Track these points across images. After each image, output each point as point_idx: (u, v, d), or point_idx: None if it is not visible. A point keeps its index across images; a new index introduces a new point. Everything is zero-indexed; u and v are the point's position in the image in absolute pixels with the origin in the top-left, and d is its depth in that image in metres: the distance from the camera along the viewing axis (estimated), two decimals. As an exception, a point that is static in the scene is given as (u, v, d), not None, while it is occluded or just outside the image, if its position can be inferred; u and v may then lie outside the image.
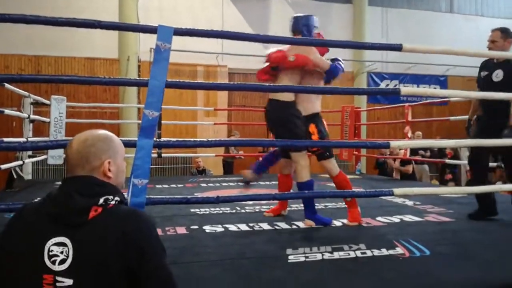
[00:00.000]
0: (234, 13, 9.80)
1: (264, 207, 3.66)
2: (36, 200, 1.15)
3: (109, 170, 1.17)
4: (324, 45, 2.64)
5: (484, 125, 3.26)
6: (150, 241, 1.10)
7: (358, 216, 3.08)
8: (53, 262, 1.03)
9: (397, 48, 2.41)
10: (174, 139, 2.91)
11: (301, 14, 3.21)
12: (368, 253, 2.36)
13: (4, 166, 4.31)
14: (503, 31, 3.19)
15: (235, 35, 2.27)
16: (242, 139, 2.19)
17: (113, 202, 1.12)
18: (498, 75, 3.16)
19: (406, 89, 2.47)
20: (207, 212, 3.50)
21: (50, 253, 1.04)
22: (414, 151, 7.16)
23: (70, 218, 1.07)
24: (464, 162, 7.42)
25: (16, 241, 1.08)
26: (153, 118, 1.97)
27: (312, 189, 3.11)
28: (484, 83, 3.25)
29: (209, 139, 2.45)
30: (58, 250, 1.04)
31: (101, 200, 1.10)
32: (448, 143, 3.05)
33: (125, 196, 2.03)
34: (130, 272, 1.05)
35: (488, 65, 3.33)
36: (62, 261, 1.03)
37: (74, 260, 1.03)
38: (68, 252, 1.04)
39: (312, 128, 3.15)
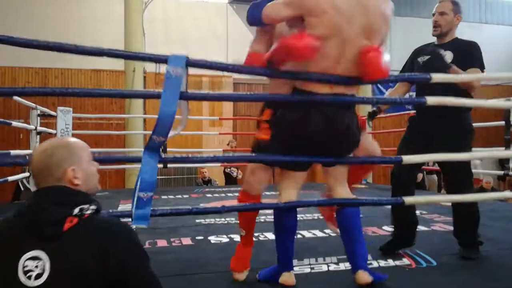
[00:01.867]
0: (238, 22, 9.87)
1: (269, 216, 3.66)
2: (9, 215, 1.13)
3: (75, 177, 1.12)
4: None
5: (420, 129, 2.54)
6: (130, 250, 1.08)
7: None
8: (29, 278, 1.00)
9: (426, 79, 2.20)
10: (179, 155, 2.93)
11: None
12: (375, 264, 2.35)
13: (11, 178, 4.35)
14: (454, 3, 2.62)
15: (249, 70, 2.13)
16: (245, 155, 2.07)
17: (88, 212, 1.08)
18: (446, 58, 2.43)
19: (433, 98, 2.24)
20: (212, 222, 3.51)
21: (25, 269, 1.00)
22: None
23: (45, 230, 1.03)
24: (474, 170, 7.40)
25: None
26: (159, 142, 1.96)
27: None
28: (426, 71, 2.32)
29: (215, 155, 2.46)
30: (33, 265, 1.01)
31: (76, 210, 1.06)
32: (463, 155, 2.84)
33: (130, 207, 2.05)
34: (113, 283, 1.04)
35: (427, 49, 2.64)
36: (38, 276, 1.00)
37: (51, 274, 1.00)
38: (44, 266, 1.01)
39: None
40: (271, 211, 3.41)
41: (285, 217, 2.03)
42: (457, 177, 2.53)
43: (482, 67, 2.52)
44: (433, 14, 2.60)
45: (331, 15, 1.75)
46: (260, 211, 2.49)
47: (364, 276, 1.93)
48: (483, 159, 8.30)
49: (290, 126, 1.91)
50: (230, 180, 8.04)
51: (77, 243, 1.03)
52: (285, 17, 1.89)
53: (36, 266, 1.01)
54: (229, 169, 7.93)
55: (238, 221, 2.38)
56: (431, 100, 2.19)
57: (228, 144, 8.30)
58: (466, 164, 2.55)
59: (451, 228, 3.23)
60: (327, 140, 1.89)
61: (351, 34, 1.79)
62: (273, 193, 5.55)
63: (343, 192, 2.09)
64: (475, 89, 2.40)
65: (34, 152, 1.16)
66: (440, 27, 2.58)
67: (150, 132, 1.96)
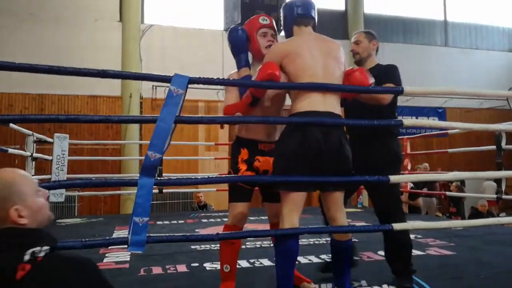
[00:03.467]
0: (234, 50, 10.05)
1: (265, 242, 3.65)
2: None
3: (20, 216, 1.04)
4: (328, 89, 2.43)
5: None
6: (94, 286, 1.01)
7: None
8: None
9: (399, 91, 2.38)
10: (175, 177, 2.95)
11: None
12: (370, 290, 2.34)
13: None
14: (367, 32, 2.79)
15: (254, 84, 2.22)
16: (242, 176, 2.10)
17: (41, 255, 0.98)
18: None
19: (409, 120, 2.46)
20: (208, 248, 3.49)
21: None
22: (420, 185, 7.20)
23: None
24: (467, 194, 7.43)
25: None
26: (154, 159, 2.00)
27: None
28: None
29: (210, 176, 2.48)
30: None
31: (27, 256, 0.96)
32: (446, 176, 3.02)
33: (125, 233, 2.06)
34: None
35: None
36: None
37: None
38: None
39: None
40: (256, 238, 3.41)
41: (288, 243, 2.02)
42: (385, 203, 2.53)
43: (395, 82, 2.57)
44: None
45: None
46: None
47: None
48: (469, 180, 8.36)
49: (294, 143, 2.04)
50: None
51: None
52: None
53: None
54: None
55: (221, 258, 2.33)
56: (408, 122, 2.37)
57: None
58: (395, 190, 2.55)
59: (446, 252, 3.25)
60: (325, 153, 2.03)
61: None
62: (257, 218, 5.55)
63: (342, 219, 2.15)
64: (384, 101, 2.42)
65: None
66: (358, 54, 2.74)
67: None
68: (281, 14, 2.34)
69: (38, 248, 0.98)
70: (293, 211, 2.06)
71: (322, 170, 2.05)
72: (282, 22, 2.36)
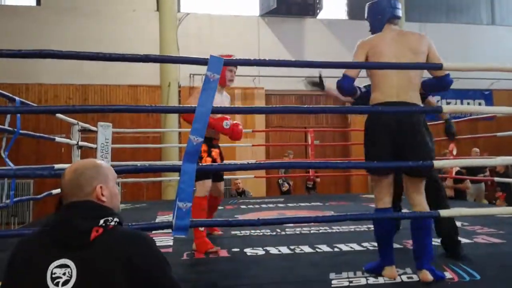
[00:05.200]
0: (270, 35, 9.96)
1: (305, 229, 3.64)
2: (31, 232, 1.22)
3: (102, 194, 1.23)
4: (362, 66, 2.57)
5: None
6: (153, 259, 1.16)
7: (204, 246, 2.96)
8: (56, 284, 1.08)
9: (437, 67, 2.36)
10: (216, 163, 2.98)
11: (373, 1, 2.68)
12: (415, 277, 2.29)
13: (55, 191, 4.53)
14: None
15: (279, 62, 2.31)
16: (280, 162, 2.14)
17: (112, 223, 1.17)
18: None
19: (448, 107, 2.41)
20: (248, 234, 3.52)
21: (53, 275, 1.08)
22: (472, 170, 6.96)
23: (73, 240, 1.12)
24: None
25: (19, 275, 1.12)
26: (197, 143, 2.05)
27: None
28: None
29: (249, 162, 2.49)
30: (61, 272, 1.09)
31: (101, 222, 1.15)
32: (495, 161, 2.87)
33: (170, 218, 2.10)
34: (141, 280, 1.11)
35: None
36: (65, 282, 1.08)
37: (78, 281, 1.08)
38: (72, 272, 1.08)
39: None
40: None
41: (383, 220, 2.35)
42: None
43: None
44: None
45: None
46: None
47: (426, 276, 2.24)
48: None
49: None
50: (281, 191, 8.05)
51: (104, 252, 1.11)
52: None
53: (64, 273, 1.08)
54: (281, 181, 8.01)
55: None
56: (446, 108, 2.41)
57: (286, 156, 8.39)
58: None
59: (495, 240, 3.13)
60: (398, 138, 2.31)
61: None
62: (296, 204, 5.54)
63: (421, 200, 2.40)
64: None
65: (65, 172, 1.26)
66: None
67: (185, 145, 2.03)
68: (373, 11, 2.59)
69: (110, 218, 1.17)
70: (383, 195, 2.38)
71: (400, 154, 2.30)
72: (372, 18, 2.60)
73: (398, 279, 2.27)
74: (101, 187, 1.23)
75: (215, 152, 3.28)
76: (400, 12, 2.56)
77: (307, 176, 8.06)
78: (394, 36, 2.45)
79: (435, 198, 2.71)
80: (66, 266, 1.09)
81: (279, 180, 8.12)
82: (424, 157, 2.28)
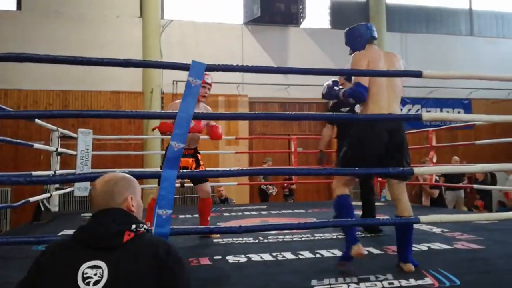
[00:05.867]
0: (254, 43, 10.00)
1: (287, 236, 3.63)
2: (60, 236, 1.26)
3: (132, 205, 1.34)
4: (342, 74, 2.66)
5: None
6: (178, 262, 1.26)
7: None
8: (87, 284, 1.14)
9: (417, 75, 2.41)
10: (197, 170, 2.96)
11: (350, 27, 2.99)
12: (396, 283, 2.30)
13: (32, 199, 4.42)
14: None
15: (262, 69, 2.34)
16: (263, 168, 2.14)
17: (142, 229, 1.27)
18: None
19: (428, 114, 2.49)
20: (230, 242, 3.49)
21: (84, 275, 1.15)
22: (451, 178, 7.07)
23: (106, 242, 1.20)
24: (493, 187, 7.24)
25: (49, 275, 1.17)
26: (178, 149, 2.03)
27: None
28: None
29: (231, 169, 2.48)
30: (92, 272, 1.15)
31: (133, 227, 1.25)
32: (475, 168, 2.94)
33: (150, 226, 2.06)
34: (164, 282, 1.20)
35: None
36: (96, 282, 1.14)
37: (109, 281, 1.15)
38: (103, 273, 1.15)
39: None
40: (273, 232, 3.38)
41: (342, 201, 2.67)
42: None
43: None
44: None
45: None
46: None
47: (411, 267, 2.52)
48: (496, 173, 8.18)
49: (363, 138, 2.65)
50: (264, 197, 8.03)
51: (134, 254, 1.20)
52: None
53: (95, 274, 1.15)
54: (265, 186, 7.98)
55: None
56: (426, 115, 2.55)
57: (264, 163, 8.38)
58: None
59: (475, 246, 3.17)
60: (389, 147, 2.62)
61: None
62: (278, 212, 5.54)
63: (405, 199, 2.68)
64: None
65: (97, 182, 1.37)
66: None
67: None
68: (353, 34, 2.91)
69: (140, 224, 1.28)
70: (342, 185, 2.74)
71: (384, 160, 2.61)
72: (352, 40, 2.90)
73: (379, 285, 2.28)
74: (131, 198, 1.34)
75: (184, 161, 3.35)
76: (376, 34, 2.90)
77: (283, 184, 8.10)
78: (382, 55, 2.78)
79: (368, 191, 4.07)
80: (97, 267, 1.16)
81: (262, 186, 8.09)
82: (409, 162, 2.64)
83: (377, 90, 2.67)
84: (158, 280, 1.19)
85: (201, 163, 3.75)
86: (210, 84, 3.63)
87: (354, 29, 2.93)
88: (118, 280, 1.15)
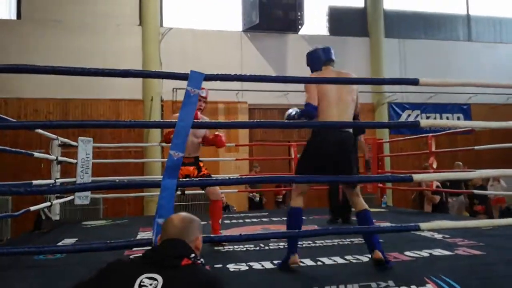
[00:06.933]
0: (253, 50, 10.05)
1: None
2: (61, 245, 1.33)
3: (199, 244, 1.55)
4: (342, 82, 2.68)
5: None
6: None
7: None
8: None
9: (414, 82, 2.42)
10: (197, 178, 2.96)
11: (312, 48, 3.28)
12: (397, 290, 2.29)
13: (33, 208, 4.41)
14: None
15: (260, 78, 2.38)
16: (261, 176, 2.16)
17: (199, 261, 1.46)
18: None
19: (426, 121, 2.49)
20: (231, 250, 3.48)
21: (141, 283, 1.31)
22: (455, 184, 7.06)
23: (166, 261, 1.39)
24: (493, 192, 7.24)
25: (110, 280, 1.36)
26: (177, 158, 2.04)
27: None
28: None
29: (230, 177, 2.49)
30: (148, 282, 1.32)
31: (192, 256, 1.44)
32: (473, 174, 2.94)
33: (151, 235, 2.06)
34: None
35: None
36: None
37: None
38: (157, 285, 1.31)
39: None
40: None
41: (294, 213, 2.93)
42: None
43: None
44: None
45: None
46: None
47: (378, 254, 2.72)
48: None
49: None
50: (253, 205, 8.04)
51: (188, 276, 1.36)
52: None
53: (151, 284, 1.31)
54: (252, 195, 7.99)
55: None
56: (424, 122, 2.75)
57: (252, 170, 8.38)
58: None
59: (476, 252, 3.16)
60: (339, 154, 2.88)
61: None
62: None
63: (359, 201, 2.90)
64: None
65: (173, 217, 1.59)
66: None
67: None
68: (312, 57, 3.17)
69: (199, 257, 1.49)
70: (299, 195, 3.01)
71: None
72: (311, 61, 3.17)
73: (380, 293, 2.27)
74: (201, 238, 1.57)
75: (185, 170, 3.48)
76: (333, 56, 3.14)
77: (276, 191, 8.11)
78: (334, 75, 3.00)
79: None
80: (154, 279, 1.32)
81: (250, 195, 8.13)
82: (354, 172, 3.05)
83: (325, 106, 2.89)
84: None
85: (203, 168, 3.82)
86: (205, 97, 3.76)
87: (313, 52, 3.21)
88: None
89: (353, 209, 3.11)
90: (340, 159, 2.88)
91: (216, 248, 3.54)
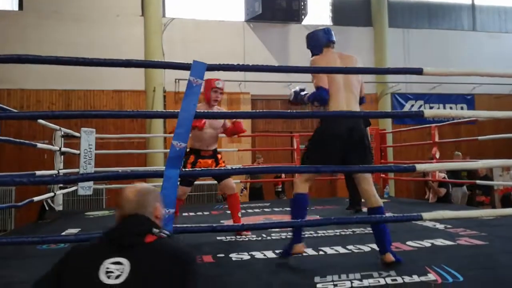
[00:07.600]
0: (255, 40, 10.00)
1: (290, 233, 3.63)
2: (64, 235, 1.31)
3: (159, 213, 1.47)
4: (348, 72, 2.65)
5: None
6: (195, 265, 1.38)
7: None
8: (108, 277, 1.24)
9: (418, 72, 2.41)
10: (199, 168, 2.96)
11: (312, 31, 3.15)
12: (399, 279, 2.30)
13: (36, 198, 4.44)
14: None
15: (262, 68, 2.37)
16: (265, 166, 2.16)
17: (163, 234, 1.39)
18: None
19: (430, 111, 2.47)
20: (233, 240, 3.50)
21: (107, 270, 1.25)
22: (455, 173, 7.05)
23: (129, 240, 1.31)
24: (496, 182, 7.23)
25: (74, 268, 1.29)
26: (180, 149, 2.04)
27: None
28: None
29: (233, 167, 2.49)
30: (114, 268, 1.25)
31: (156, 230, 1.36)
32: (476, 164, 2.93)
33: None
34: (177, 285, 1.29)
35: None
36: (117, 276, 1.24)
37: (130, 275, 1.25)
38: (124, 269, 1.25)
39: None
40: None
41: (300, 199, 2.81)
42: None
43: None
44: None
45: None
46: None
47: (389, 257, 2.58)
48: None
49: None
50: (256, 195, 8.06)
51: (155, 254, 1.31)
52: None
53: (117, 269, 1.25)
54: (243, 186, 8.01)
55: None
56: (428, 112, 2.69)
57: (255, 161, 8.38)
58: None
59: (478, 242, 3.17)
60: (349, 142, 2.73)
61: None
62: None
63: (368, 188, 2.76)
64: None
65: (127, 191, 1.47)
66: None
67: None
68: (312, 39, 3.07)
69: (163, 230, 1.41)
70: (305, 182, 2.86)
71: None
72: (312, 44, 3.06)
73: (382, 281, 2.28)
74: (159, 206, 1.49)
75: (203, 163, 3.52)
76: (334, 38, 3.03)
77: (275, 181, 8.13)
78: (337, 58, 2.92)
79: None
80: (119, 263, 1.26)
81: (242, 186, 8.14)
82: (370, 159, 2.83)
83: (335, 90, 2.80)
84: (175, 278, 1.29)
85: (221, 161, 3.81)
86: (221, 89, 3.75)
87: (313, 34, 3.11)
88: (137, 276, 1.25)
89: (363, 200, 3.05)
90: (353, 143, 2.74)
91: (218, 238, 3.56)
